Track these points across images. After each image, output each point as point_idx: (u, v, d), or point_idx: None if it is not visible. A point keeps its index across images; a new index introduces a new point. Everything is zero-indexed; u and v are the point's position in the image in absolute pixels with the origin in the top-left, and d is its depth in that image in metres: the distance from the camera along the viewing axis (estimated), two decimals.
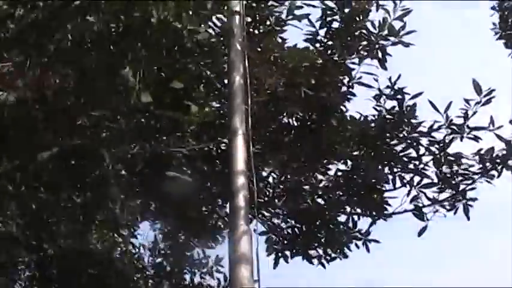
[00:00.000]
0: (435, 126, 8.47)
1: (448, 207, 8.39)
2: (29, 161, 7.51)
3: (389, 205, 9.35)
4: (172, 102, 7.16)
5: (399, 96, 8.39)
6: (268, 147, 8.58)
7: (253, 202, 5.91)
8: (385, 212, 9.21)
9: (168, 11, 7.03)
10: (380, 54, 9.14)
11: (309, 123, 8.45)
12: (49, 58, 6.95)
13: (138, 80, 6.84)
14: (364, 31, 9.05)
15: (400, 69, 8.74)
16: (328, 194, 9.46)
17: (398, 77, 8.55)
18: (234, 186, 5.90)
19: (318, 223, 9.73)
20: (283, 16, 9.25)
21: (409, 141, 8.36)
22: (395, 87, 8.47)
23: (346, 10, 8.66)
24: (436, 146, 8.44)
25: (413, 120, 8.39)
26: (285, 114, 8.33)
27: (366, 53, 9.04)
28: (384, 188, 9.25)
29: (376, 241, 9.78)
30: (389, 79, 8.53)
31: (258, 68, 7.92)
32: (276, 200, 9.44)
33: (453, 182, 8.40)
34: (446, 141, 8.42)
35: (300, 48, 8.56)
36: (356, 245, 9.81)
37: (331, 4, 8.74)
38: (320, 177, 9.16)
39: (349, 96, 8.76)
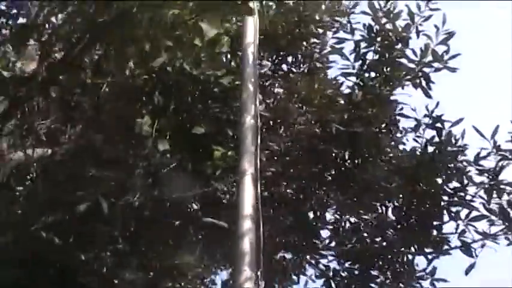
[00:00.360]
0: (483, 154, 7.93)
1: (498, 241, 7.75)
2: (67, 214, 7.70)
3: (449, 241, 8.82)
4: (194, 147, 7.16)
5: (438, 125, 7.93)
6: (309, 186, 8.36)
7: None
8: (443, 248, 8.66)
9: (184, 57, 7.15)
10: (424, 83, 8.81)
11: (346, 160, 8.12)
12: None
13: (154, 128, 6.93)
14: (403, 60, 8.75)
15: (439, 94, 8.27)
16: (382, 232, 9.03)
17: (437, 105, 8.11)
18: (240, 230, 5.71)
19: (377, 263, 9.32)
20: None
21: (450, 171, 7.81)
22: (434, 115, 8.02)
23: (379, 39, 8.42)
24: (486, 174, 7.85)
25: (453, 148, 7.85)
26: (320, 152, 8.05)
27: (408, 83, 8.75)
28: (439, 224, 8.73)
29: (444, 280, 9.19)
30: (427, 107, 8.11)
31: (287, 106, 7.82)
32: (327, 241, 9.15)
33: (507, 213, 7.74)
34: (497, 168, 7.83)
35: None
36: (420, 285, 9.32)
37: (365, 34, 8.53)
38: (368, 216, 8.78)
39: (391, 129, 8.42)
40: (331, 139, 7.87)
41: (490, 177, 7.82)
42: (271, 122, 8.28)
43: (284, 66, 9.46)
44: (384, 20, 8.41)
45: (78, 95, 7.17)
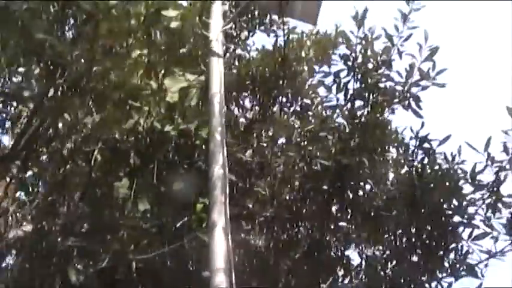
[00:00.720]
0: (478, 168, 7.58)
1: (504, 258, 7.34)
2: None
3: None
4: (176, 203, 7.10)
5: (426, 145, 7.66)
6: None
7: None
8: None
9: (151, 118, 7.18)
10: (413, 103, 8.58)
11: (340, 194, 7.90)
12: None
13: (133, 190, 6.93)
14: (390, 83, 8.56)
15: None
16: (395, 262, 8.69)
17: (422, 125, 7.85)
18: (212, 285, 5.58)
19: None
20: None
21: (447, 190, 7.48)
22: (420, 135, 7.77)
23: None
24: (485, 190, 7.49)
25: (451, 166, 7.55)
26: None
27: (397, 106, 8.54)
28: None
29: None
30: (411, 129, 7.86)
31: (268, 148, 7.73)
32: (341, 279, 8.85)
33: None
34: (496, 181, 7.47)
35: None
36: None
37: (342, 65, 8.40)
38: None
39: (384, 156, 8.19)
40: (319, 176, 7.70)
41: (489, 191, 7.48)
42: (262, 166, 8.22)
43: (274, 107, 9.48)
44: (359, 47, 8.28)
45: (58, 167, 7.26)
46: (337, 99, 8.37)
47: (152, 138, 7.16)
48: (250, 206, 7.56)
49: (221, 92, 6.97)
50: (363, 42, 8.26)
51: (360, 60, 8.20)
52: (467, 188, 7.60)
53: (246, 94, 9.54)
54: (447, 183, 7.45)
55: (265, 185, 7.54)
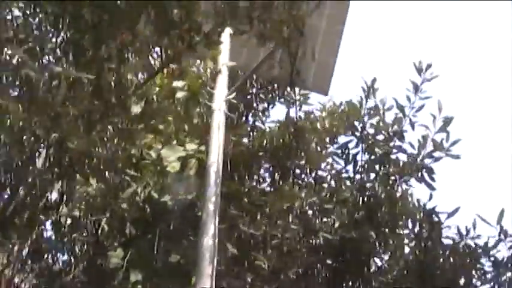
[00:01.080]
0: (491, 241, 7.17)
1: None
2: None
3: None
4: (171, 275, 6.91)
5: (434, 218, 7.32)
6: None
7: None
8: None
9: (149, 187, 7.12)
10: (426, 175, 8.27)
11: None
12: None
13: (126, 260, 6.79)
14: (400, 155, 8.32)
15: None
16: None
17: (430, 197, 7.53)
18: None
19: None
20: None
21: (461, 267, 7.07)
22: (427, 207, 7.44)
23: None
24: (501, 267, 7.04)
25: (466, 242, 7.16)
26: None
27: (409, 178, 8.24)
28: None
29: None
30: (418, 201, 7.52)
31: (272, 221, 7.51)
32: None
33: None
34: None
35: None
36: None
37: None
38: None
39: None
40: (323, 249, 7.41)
41: (504, 267, 7.03)
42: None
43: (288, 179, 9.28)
44: (366, 117, 8.13)
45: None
46: (347, 171, 8.20)
47: (150, 208, 7.07)
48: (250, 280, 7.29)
49: (218, 162, 6.87)
50: (371, 112, 8.10)
51: (369, 130, 8.02)
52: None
53: (259, 165, 9.44)
54: (465, 259, 7.04)
55: (265, 258, 7.28)
